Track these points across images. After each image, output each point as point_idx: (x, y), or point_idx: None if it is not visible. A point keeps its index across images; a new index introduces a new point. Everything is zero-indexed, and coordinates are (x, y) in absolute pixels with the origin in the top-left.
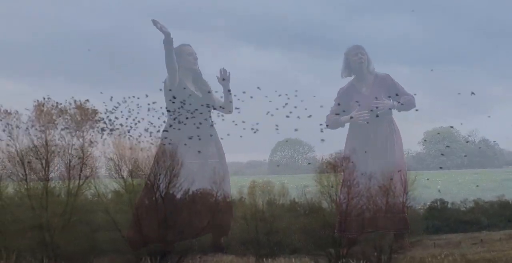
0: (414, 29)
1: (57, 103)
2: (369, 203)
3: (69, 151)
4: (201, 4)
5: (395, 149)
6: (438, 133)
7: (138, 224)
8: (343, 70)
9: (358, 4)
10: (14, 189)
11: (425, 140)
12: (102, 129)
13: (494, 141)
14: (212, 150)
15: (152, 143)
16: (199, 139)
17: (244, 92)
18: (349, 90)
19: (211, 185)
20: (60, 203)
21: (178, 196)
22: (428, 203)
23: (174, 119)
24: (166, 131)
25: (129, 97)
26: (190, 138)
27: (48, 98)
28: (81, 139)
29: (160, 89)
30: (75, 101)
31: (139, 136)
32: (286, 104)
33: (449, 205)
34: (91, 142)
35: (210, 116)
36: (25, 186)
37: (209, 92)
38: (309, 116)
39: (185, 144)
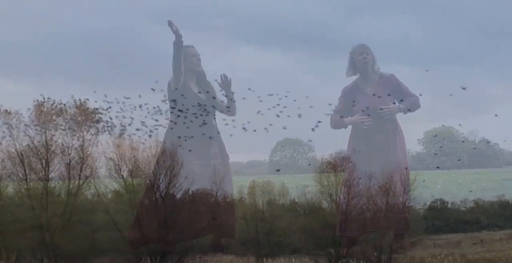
0: (414, 29)
1: (56, 101)
2: (369, 203)
3: (69, 151)
4: (201, 4)
5: (397, 149)
6: (435, 136)
7: (138, 224)
8: (348, 69)
9: (358, 4)
10: (14, 189)
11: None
12: (102, 129)
13: (489, 142)
14: (214, 151)
15: (142, 143)
16: (203, 136)
17: (244, 98)
18: (354, 89)
19: (211, 185)
20: (60, 203)
21: (178, 196)
22: (428, 203)
23: (177, 117)
24: (170, 130)
25: (126, 98)
26: (190, 137)
27: (48, 98)
28: (81, 139)
29: (153, 89)
30: (74, 100)
31: (139, 136)
32: (278, 104)
33: (449, 205)
34: (91, 141)
35: (214, 118)
36: (25, 186)
37: (213, 97)
38: (299, 116)
39: (181, 146)
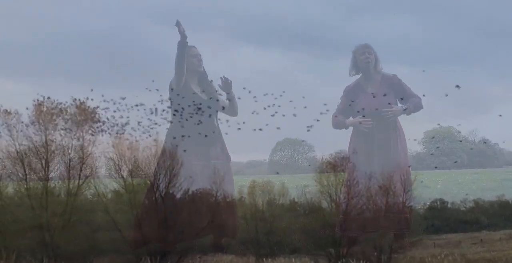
0: (414, 29)
1: (56, 101)
2: (369, 202)
3: (69, 151)
4: (201, 4)
5: (398, 149)
6: (433, 137)
7: (139, 224)
8: (350, 68)
9: (358, 4)
10: (14, 189)
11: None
12: (100, 129)
13: (486, 142)
14: (215, 151)
15: (136, 141)
16: (203, 136)
17: (239, 98)
18: (355, 89)
19: (211, 185)
20: (60, 203)
21: (178, 196)
22: (428, 203)
23: (176, 117)
24: (171, 130)
25: (122, 98)
26: (188, 137)
27: (48, 98)
28: (81, 139)
29: (147, 89)
30: (74, 99)
31: (138, 136)
32: (274, 104)
33: (449, 205)
34: (90, 141)
35: (216, 118)
36: (25, 186)
37: (216, 99)
38: (294, 115)
39: (179, 146)
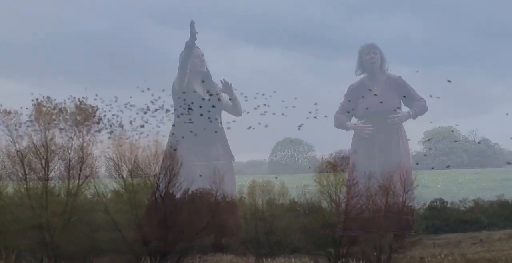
0: (414, 29)
1: (55, 101)
2: (369, 203)
3: (69, 151)
4: (201, 4)
5: (400, 150)
6: (429, 139)
7: (145, 223)
8: (356, 67)
9: (358, 4)
10: (14, 189)
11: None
12: (100, 128)
13: (480, 142)
14: (217, 152)
15: (126, 139)
16: (205, 137)
17: (230, 99)
18: (360, 88)
19: (211, 185)
20: (60, 203)
21: (178, 196)
22: (428, 203)
23: (178, 117)
24: (173, 130)
25: (116, 98)
26: (188, 136)
27: (48, 97)
28: (80, 139)
29: (142, 90)
30: (74, 98)
31: (137, 136)
32: (265, 104)
33: (448, 205)
34: (90, 141)
35: (218, 118)
36: (25, 186)
37: (217, 94)
38: (283, 114)
39: (179, 146)
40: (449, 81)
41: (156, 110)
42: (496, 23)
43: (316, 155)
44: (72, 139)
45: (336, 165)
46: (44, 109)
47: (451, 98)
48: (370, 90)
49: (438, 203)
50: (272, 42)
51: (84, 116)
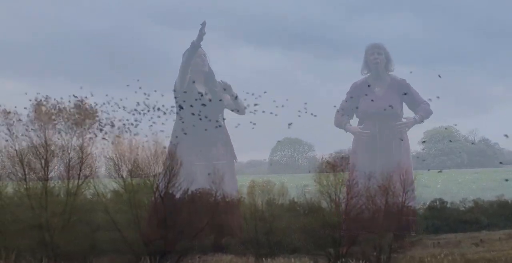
0: (414, 29)
1: (55, 100)
2: (369, 203)
3: (68, 151)
4: (201, 4)
5: (401, 150)
6: (424, 141)
7: (150, 222)
8: (362, 67)
9: (358, 4)
10: (14, 189)
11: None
12: (101, 130)
13: (473, 142)
14: (218, 152)
15: (122, 137)
16: (206, 137)
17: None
18: (363, 87)
19: (211, 185)
20: (60, 202)
21: (178, 195)
22: (428, 203)
23: (180, 117)
24: (175, 130)
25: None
26: (190, 135)
27: (47, 97)
28: (80, 139)
29: (135, 91)
30: (74, 96)
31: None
32: (255, 104)
33: (448, 205)
34: (90, 141)
35: (220, 118)
36: (25, 186)
37: (218, 96)
38: (271, 113)
39: (186, 148)
40: (440, 76)
41: (148, 110)
42: (496, 23)
43: (316, 155)
44: (71, 138)
45: (336, 165)
46: (44, 109)
47: (451, 98)
48: (369, 86)
49: (438, 203)
50: (272, 42)
51: (84, 116)
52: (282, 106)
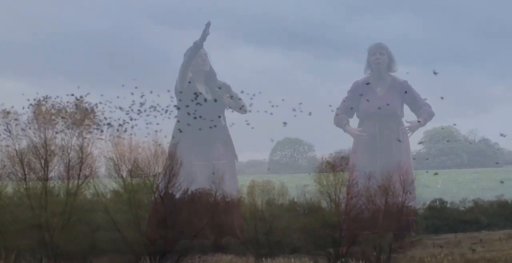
0: (414, 29)
1: (55, 100)
2: (368, 203)
3: (68, 151)
4: (201, 4)
5: (401, 150)
6: (420, 143)
7: (150, 223)
8: (365, 67)
9: (358, 4)
10: (13, 189)
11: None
12: (97, 129)
13: (471, 143)
14: (218, 152)
15: (120, 137)
16: (206, 136)
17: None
18: (364, 86)
19: (210, 185)
20: (60, 202)
21: (177, 196)
22: (428, 203)
23: (180, 116)
24: (176, 129)
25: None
26: (190, 134)
27: (47, 96)
28: (80, 139)
29: (135, 88)
30: (73, 95)
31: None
32: (250, 104)
33: (448, 205)
34: (90, 140)
35: (220, 118)
36: (24, 186)
37: (219, 96)
38: (266, 112)
39: (186, 148)
40: (434, 72)
41: (145, 110)
42: (496, 23)
43: (316, 155)
44: (71, 138)
45: (335, 165)
46: (43, 109)
47: (451, 98)
48: (367, 84)
49: (437, 203)
50: (272, 42)
51: (83, 115)
52: (277, 106)
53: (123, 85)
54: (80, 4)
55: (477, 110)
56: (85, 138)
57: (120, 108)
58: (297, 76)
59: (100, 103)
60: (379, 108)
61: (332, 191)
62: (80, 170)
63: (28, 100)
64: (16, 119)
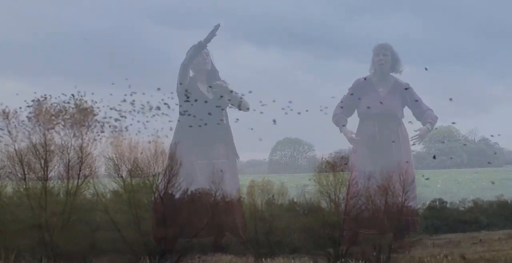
0: (414, 29)
1: (55, 100)
2: (368, 203)
3: (68, 151)
4: (201, 4)
5: (401, 150)
6: (413, 144)
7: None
8: (370, 67)
9: (358, 4)
10: (13, 189)
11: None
12: (101, 131)
13: (465, 144)
14: (219, 151)
15: (120, 137)
16: (206, 136)
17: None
18: (365, 84)
19: (210, 185)
20: (59, 202)
21: (177, 196)
22: (428, 203)
23: (182, 116)
24: (177, 129)
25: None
26: (189, 134)
27: (47, 96)
28: (80, 139)
29: (136, 89)
30: (73, 95)
31: (137, 134)
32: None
33: (448, 205)
34: (90, 140)
35: (226, 116)
36: (24, 186)
37: (219, 95)
38: (256, 111)
39: (187, 147)
40: (426, 68)
41: (143, 109)
42: (496, 23)
43: (316, 155)
44: (71, 138)
45: (335, 165)
46: (43, 108)
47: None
48: (365, 79)
49: (437, 203)
50: (272, 42)
51: (83, 115)
52: (266, 105)
53: (129, 86)
54: (80, 4)
55: (477, 110)
56: (85, 138)
57: (119, 109)
58: (297, 76)
59: (99, 102)
60: (368, 107)
61: (332, 191)
62: (80, 170)
63: (25, 101)
64: (16, 119)
